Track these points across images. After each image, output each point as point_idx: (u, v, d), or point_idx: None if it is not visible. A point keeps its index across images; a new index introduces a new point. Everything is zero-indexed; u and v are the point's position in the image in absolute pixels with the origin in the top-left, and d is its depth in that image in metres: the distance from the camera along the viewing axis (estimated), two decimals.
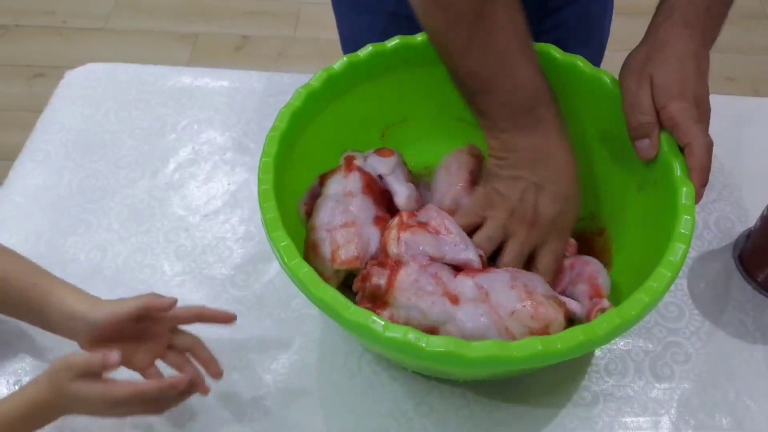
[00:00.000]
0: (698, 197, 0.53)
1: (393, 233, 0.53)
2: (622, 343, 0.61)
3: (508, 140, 0.56)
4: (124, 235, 0.69)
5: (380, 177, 0.61)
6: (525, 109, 0.55)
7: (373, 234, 0.54)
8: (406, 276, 0.50)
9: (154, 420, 0.57)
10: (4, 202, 0.71)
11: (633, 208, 0.61)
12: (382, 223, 0.55)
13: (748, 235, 0.66)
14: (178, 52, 1.99)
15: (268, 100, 0.80)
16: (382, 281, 0.50)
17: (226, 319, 0.54)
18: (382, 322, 0.45)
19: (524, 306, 0.49)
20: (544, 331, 0.48)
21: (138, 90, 0.83)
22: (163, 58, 2.01)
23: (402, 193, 0.59)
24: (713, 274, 0.66)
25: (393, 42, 0.63)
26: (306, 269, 0.48)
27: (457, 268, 0.53)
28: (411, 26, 0.61)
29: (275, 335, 0.62)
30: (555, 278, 0.57)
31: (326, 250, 0.52)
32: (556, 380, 0.59)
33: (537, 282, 0.52)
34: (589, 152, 0.65)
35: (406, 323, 0.48)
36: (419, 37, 0.63)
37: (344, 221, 0.53)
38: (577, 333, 0.45)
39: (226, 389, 0.58)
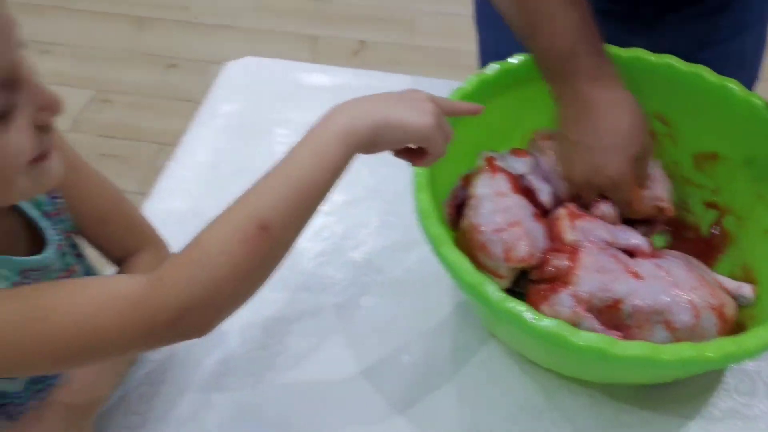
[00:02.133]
0: None
1: (566, 222, 0.57)
2: (752, 365, 0.62)
3: (554, 90, 0.60)
4: None
5: (521, 176, 0.64)
6: (561, 56, 0.58)
7: (537, 230, 0.58)
8: (588, 255, 0.55)
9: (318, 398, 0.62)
10: (175, 174, 0.79)
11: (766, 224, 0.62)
12: (538, 218, 0.59)
13: None
14: (298, 53, 2.09)
15: None
16: (564, 263, 0.55)
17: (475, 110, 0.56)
18: (534, 315, 0.49)
19: (702, 285, 0.54)
20: (722, 309, 0.53)
21: (289, 84, 0.90)
22: (284, 57, 2.13)
23: (545, 190, 0.62)
24: None
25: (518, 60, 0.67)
26: (464, 262, 0.52)
27: (628, 254, 0.57)
28: None
29: (412, 321, 0.66)
30: None
31: (498, 249, 0.56)
32: (685, 392, 0.60)
33: (706, 271, 0.57)
34: (730, 173, 0.66)
35: (590, 298, 0.52)
36: None
37: (509, 221, 0.57)
38: (727, 343, 0.47)
39: (366, 367, 0.63)
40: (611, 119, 0.59)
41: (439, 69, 1.95)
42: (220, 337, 0.66)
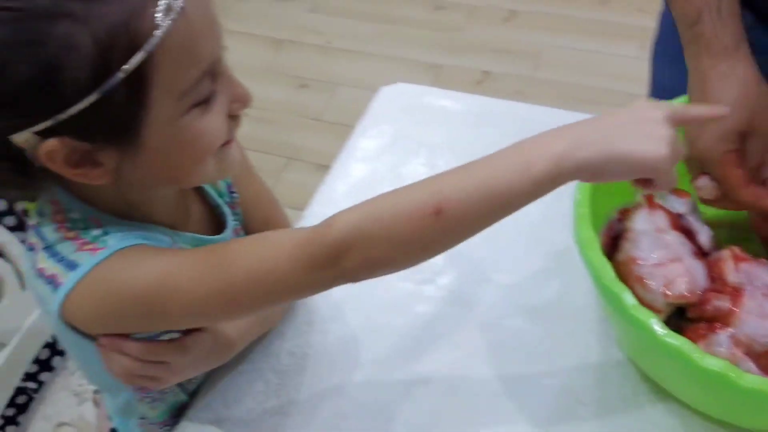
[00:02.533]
0: None
1: (730, 264, 0.58)
2: None
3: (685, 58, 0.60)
4: None
5: (679, 215, 0.65)
6: (689, 21, 0.59)
7: (697, 268, 0.59)
8: (750, 299, 0.55)
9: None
10: (331, 188, 0.86)
11: None
12: (698, 256, 0.60)
13: None
14: (422, 80, 2.16)
15: None
16: (725, 304, 0.55)
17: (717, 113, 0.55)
18: (699, 353, 0.50)
19: None
20: None
21: (436, 110, 0.95)
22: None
23: (705, 232, 0.63)
24: None
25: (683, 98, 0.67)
26: (627, 293, 0.54)
27: None
28: None
29: (555, 346, 0.68)
30: None
31: (657, 283, 0.58)
32: None
33: None
34: None
35: (749, 342, 0.53)
36: None
37: (669, 257, 0.59)
38: None
39: (508, 387, 0.66)
40: (716, 91, 0.58)
41: (564, 102, 1.96)
42: (372, 338, 0.70)
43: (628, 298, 0.54)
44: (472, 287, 0.75)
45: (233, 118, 0.53)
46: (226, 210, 0.66)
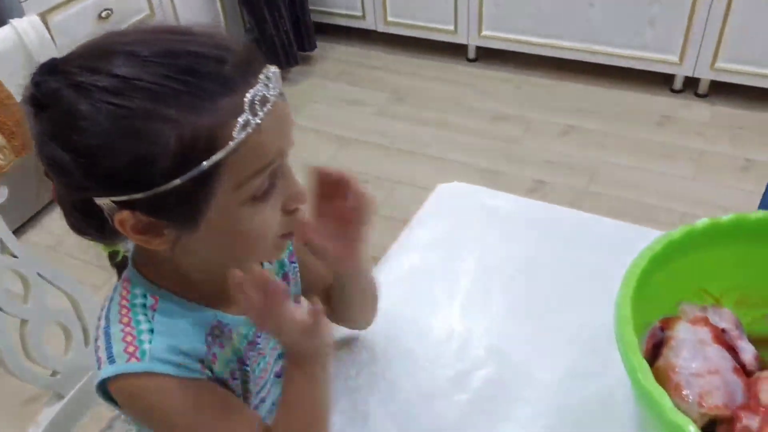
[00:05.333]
0: None
1: (765, 384, 0.59)
2: None
3: None
4: (472, 315, 0.82)
5: (723, 331, 0.66)
6: None
7: (735, 383, 0.59)
8: None
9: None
10: (385, 277, 0.90)
11: None
12: (738, 373, 0.60)
13: None
14: (478, 184, 2.23)
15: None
16: (755, 423, 0.56)
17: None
18: None
19: None
20: None
21: (489, 209, 0.99)
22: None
23: (749, 350, 0.63)
24: None
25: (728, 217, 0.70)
26: (666, 398, 0.54)
27: None
28: None
29: None
30: None
31: (692, 393, 0.59)
32: None
33: None
34: None
35: None
36: (753, 216, 0.69)
37: (708, 368, 0.60)
38: None
39: None
40: None
41: (616, 216, 1.98)
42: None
43: (667, 402, 0.54)
44: (512, 382, 0.76)
45: (289, 212, 0.59)
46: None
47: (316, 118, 2.60)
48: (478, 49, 2.82)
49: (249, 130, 0.51)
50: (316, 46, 2.86)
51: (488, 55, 2.83)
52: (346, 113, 2.63)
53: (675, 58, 2.37)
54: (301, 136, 2.72)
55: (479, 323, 0.82)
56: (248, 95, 0.51)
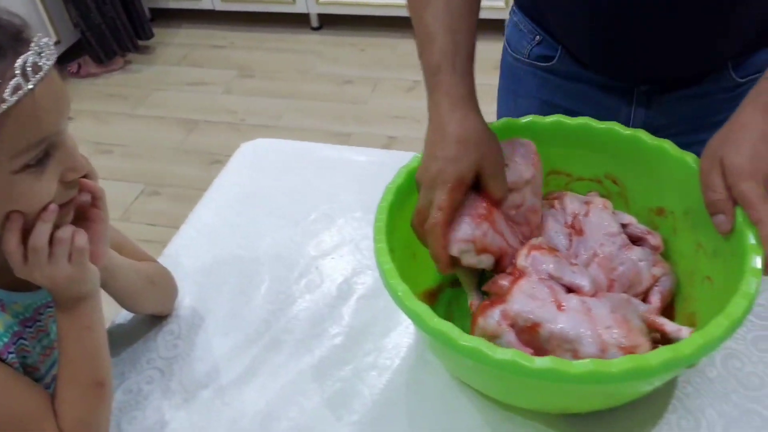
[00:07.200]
0: None
1: (524, 251, 0.64)
2: (698, 402, 0.64)
3: (428, 102, 0.66)
4: (268, 268, 0.84)
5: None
6: (429, 74, 0.65)
7: (506, 231, 0.66)
8: (525, 282, 0.61)
9: None
10: (184, 235, 0.90)
11: (705, 271, 0.66)
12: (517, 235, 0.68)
13: None
14: None
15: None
16: (506, 283, 0.62)
17: None
18: (458, 333, 0.54)
19: (621, 327, 0.58)
20: (632, 351, 0.56)
21: (292, 160, 1.01)
22: None
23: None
24: None
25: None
26: (419, 305, 0.57)
27: (570, 290, 0.63)
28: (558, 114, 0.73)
29: (377, 358, 0.72)
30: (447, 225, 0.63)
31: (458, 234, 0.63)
32: (627, 426, 0.63)
33: (634, 314, 0.61)
34: (674, 225, 0.72)
35: (515, 317, 0.59)
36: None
37: (481, 213, 0.65)
38: (665, 351, 0.51)
39: (329, 396, 0.69)
40: (453, 134, 0.64)
41: None
42: None
43: (419, 307, 0.57)
44: (309, 312, 0.79)
45: (66, 184, 0.59)
46: None
47: (162, 105, 2.53)
48: (321, 16, 2.83)
49: (21, 93, 0.52)
50: (153, 34, 2.76)
51: (332, 22, 2.85)
52: (193, 96, 2.58)
53: (501, 4, 2.49)
54: (148, 125, 2.67)
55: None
56: (19, 60, 0.53)
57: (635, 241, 0.71)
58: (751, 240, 0.58)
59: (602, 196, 0.76)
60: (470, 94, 0.67)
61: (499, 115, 0.99)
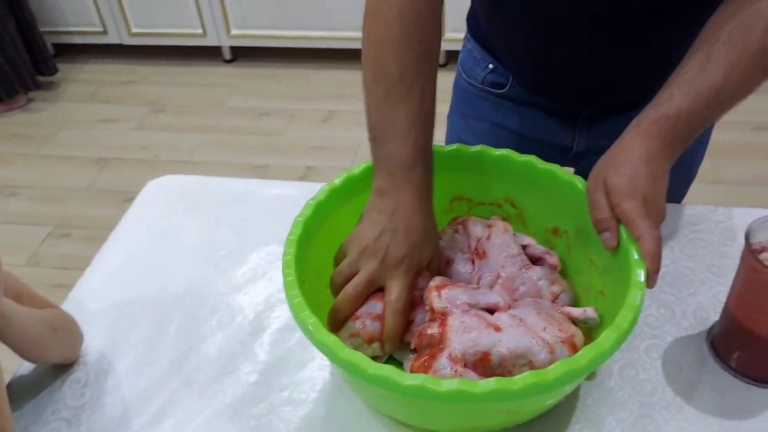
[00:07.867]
0: (652, 282, 0.61)
1: (434, 293, 0.65)
2: (599, 411, 0.68)
3: (383, 187, 0.69)
4: (178, 307, 0.83)
5: None
6: (402, 167, 0.68)
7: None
8: (454, 320, 0.62)
9: None
10: (90, 278, 0.88)
11: (598, 286, 0.70)
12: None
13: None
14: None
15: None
16: (436, 330, 0.62)
17: None
18: (399, 377, 0.54)
19: (551, 324, 0.62)
20: (572, 340, 0.61)
21: (201, 195, 1.00)
22: None
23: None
24: (688, 357, 0.73)
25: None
26: (329, 336, 0.58)
27: (490, 311, 0.65)
28: (509, 136, 0.78)
29: (292, 392, 0.72)
30: (409, 308, 0.67)
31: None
32: None
33: (552, 309, 0.65)
34: (568, 244, 0.76)
35: (463, 355, 0.59)
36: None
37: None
38: (562, 365, 0.53)
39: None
40: (413, 222, 0.68)
41: None
42: None
43: (325, 336, 0.57)
44: (219, 348, 0.78)
45: None
46: None
47: (70, 144, 2.45)
48: (233, 49, 2.83)
49: None
50: (57, 69, 2.68)
51: (245, 54, 2.85)
52: (103, 133, 2.51)
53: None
54: (55, 165, 2.57)
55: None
56: None
57: (535, 261, 0.75)
58: (635, 255, 0.62)
59: (503, 219, 0.80)
60: (431, 191, 0.72)
61: (449, 135, 1.03)
